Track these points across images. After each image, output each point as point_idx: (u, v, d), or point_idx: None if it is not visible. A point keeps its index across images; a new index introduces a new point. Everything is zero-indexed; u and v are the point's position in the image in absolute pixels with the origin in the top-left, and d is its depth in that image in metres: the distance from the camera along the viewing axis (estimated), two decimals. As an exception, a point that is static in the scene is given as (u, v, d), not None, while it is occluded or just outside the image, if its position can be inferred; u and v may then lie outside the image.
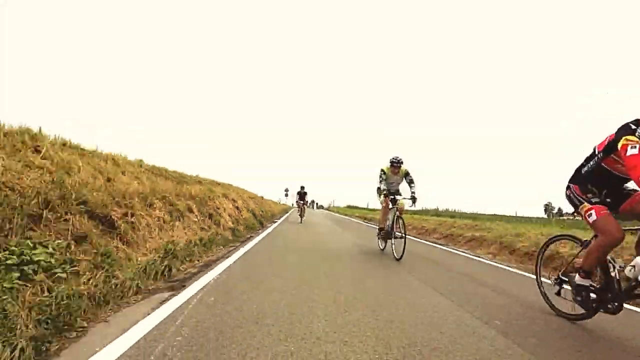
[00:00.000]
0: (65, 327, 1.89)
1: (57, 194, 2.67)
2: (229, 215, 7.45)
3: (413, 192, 5.30)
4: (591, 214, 2.31)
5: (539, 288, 2.97)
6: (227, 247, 5.59)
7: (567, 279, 2.63)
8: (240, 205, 9.44)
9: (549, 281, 2.90)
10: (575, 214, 2.70)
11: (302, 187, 14.70)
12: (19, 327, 1.67)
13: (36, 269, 2.02)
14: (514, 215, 21.33)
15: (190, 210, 5.27)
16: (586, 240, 2.59)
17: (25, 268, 1.95)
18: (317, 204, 74.50)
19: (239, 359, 1.63)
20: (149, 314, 2.21)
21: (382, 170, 5.50)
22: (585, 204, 2.39)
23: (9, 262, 1.87)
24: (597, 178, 2.42)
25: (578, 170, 2.58)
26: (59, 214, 2.56)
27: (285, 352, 1.73)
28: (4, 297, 1.71)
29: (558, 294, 2.69)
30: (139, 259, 3.11)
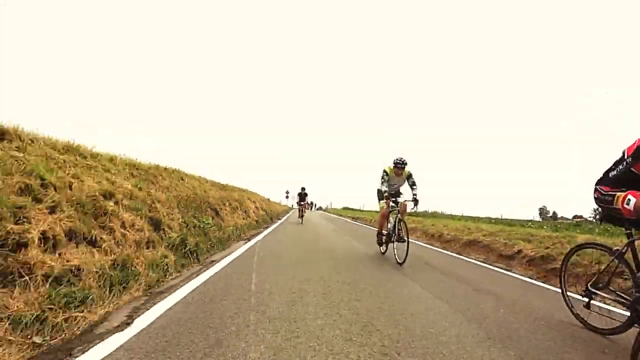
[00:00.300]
0: (223, 244, 5.74)
1: (199, 200, 6.50)
2: (253, 212, 11.30)
3: (415, 195, 5.18)
4: (629, 200, 2.14)
5: (565, 300, 2.82)
6: (256, 230, 9.43)
7: (596, 291, 2.50)
8: (257, 206, 13.31)
9: (575, 295, 2.86)
10: (602, 220, 2.53)
11: (303, 189, 14.72)
12: (212, 239, 5.51)
13: (210, 225, 5.85)
14: (499, 217, 23.96)
15: (237, 208, 9.11)
16: (617, 250, 2.44)
17: (206, 225, 5.79)
18: (315, 205, 78.10)
19: (283, 251, 5.49)
20: (245, 244, 6.08)
21: (384, 171, 5.36)
22: (619, 193, 2.24)
23: (207, 222, 5.71)
24: (626, 183, 2.26)
25: (606, 173, 2.43)
26: (203, 208, 6.40)
27: (292, 253, 5.60)
28: (207, 233, 5.55)
29: (587, 307, 2.54)
30: (228, 228, 6.95)
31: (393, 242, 5.16)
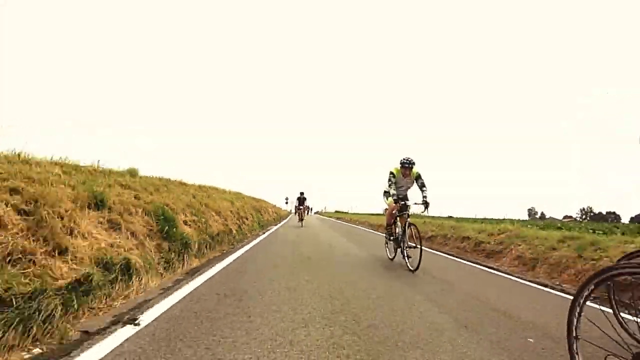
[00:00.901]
0: (267, 226, 13.83)
1: (254, 207, 14.60)
2: (271, 214, 19.41)
3: (425, 197, 4.97)
4: None
5: (616, 317, 2.39)
6: (275, 223, 17.47)
7: None
8: (273, 210, 21.48)
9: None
10: None
11: (302, 193, 16.09)
12: (263, 223, 13.61)
13: (262, 218, 13.92)
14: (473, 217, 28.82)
15: (265, 211, 17.14)
16: None
17: (262, 218, 13.88)
18: (312, 209, 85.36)
19: (295, 226, 13.62)
20: (274, 227, 14.25)
21: (391, 172, 5.13)
22: None
23: (261, 217, 13.79)
24: None
25: None
26: (257, 210, 14.48)
27: (300, 235, 13.77)
28: (263, 221, 13.66)
29: None
30: (265, 220, 15.02)
31: (403, 248, 4.92)
